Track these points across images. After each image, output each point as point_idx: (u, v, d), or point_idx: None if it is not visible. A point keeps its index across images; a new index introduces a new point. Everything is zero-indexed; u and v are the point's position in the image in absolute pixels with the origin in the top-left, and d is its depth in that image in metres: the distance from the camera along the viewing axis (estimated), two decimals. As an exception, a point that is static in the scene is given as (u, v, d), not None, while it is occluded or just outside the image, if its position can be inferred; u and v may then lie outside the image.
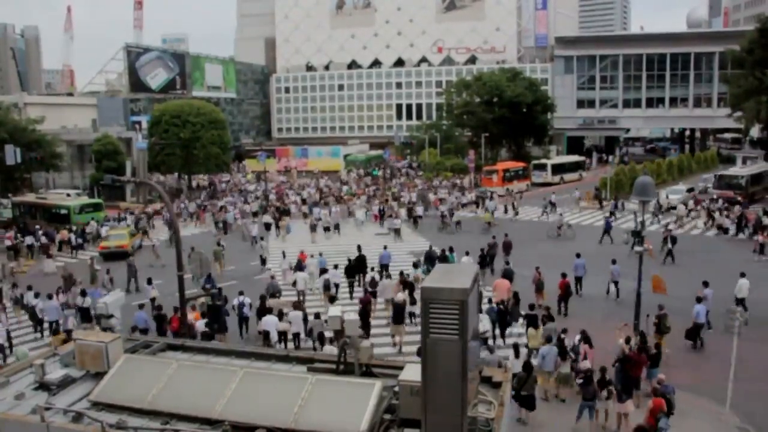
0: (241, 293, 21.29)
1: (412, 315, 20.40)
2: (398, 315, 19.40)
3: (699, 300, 19.42)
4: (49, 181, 57.02)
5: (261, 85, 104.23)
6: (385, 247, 28.66)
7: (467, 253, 25.91)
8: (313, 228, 38.31)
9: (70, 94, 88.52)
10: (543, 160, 63.88)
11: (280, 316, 19.56)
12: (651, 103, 79.95)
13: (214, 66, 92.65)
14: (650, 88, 79.45)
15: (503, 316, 19.42)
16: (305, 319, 19.38)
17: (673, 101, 79.36)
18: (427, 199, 47.62)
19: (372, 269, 24.92)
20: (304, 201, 50.18)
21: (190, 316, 18.87)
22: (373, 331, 19.93)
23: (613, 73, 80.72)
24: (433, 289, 6.09)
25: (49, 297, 21.73)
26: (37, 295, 22.13)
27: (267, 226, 40.07)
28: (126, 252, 32.51)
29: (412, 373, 6.70)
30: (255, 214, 44.31)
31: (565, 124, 79.50)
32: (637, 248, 19.31)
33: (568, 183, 58.07)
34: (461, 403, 6.04)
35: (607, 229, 34.07)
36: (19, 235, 36.22)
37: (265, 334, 18.70)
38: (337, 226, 39.09)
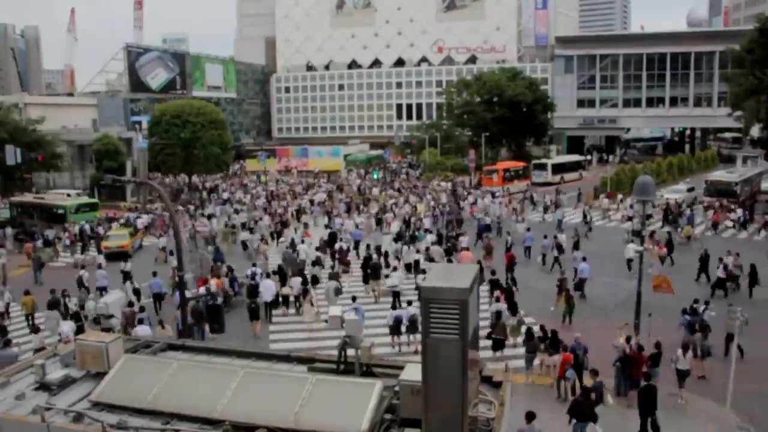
0: (254, 265, 26.15)
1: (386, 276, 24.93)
2: (375, 272, 24.98)
3: (584, 259, 25.17)
4: (49, 181, 57.07)
5: (261, 84, 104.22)
6: (356, 226, 35.01)
7: (429, 231, 32.45)
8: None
9: (71, 94, 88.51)
10: (543, 160, 63.89)
11: (283, 281, 24.07)
12: (651, 102, 79.96)
13: (214, 66, 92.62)
14: (650, 87, 79.45)
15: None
16: (304, 283, 23.67)
17: (674, 101, 79.35)
18: (458, 212, 39.50)
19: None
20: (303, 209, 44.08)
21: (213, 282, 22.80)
22: (371, 331, 20.01)
23: (613, 72, 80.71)
24: (433, 289, 6.09)
25: (99, 267, 26.65)
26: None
27: (243, 246, 32.86)
28: (127, 252, 32.53)
29: (413, 372, 6.71)
30: (243, 226, 38.00)
31: (565, 123, 79.48)
32: (637, 248, 19.34)
33: (568, 182, 58.05)
34: (462, 402, 6.05)
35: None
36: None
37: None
38: (378, 250, 28.08)
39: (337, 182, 61.15)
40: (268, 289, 22.63)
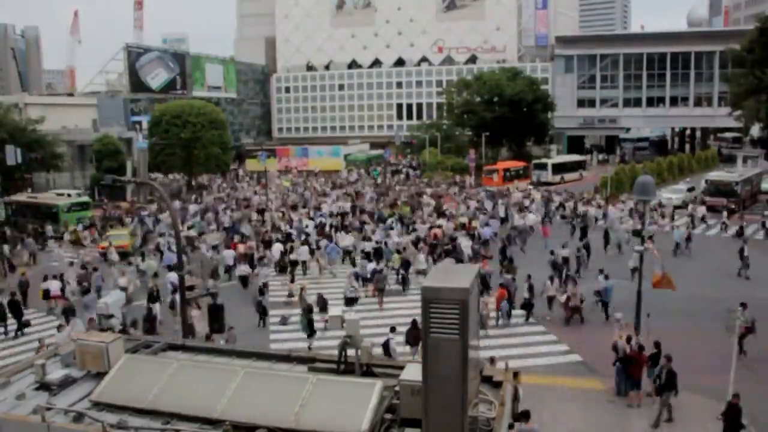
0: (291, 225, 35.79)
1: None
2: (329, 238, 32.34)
3: (486, 224, 33.39)
4: (49, 182, 57.08)
5: (261, 84, 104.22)
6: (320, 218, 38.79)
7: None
8: (350, 301, 23.36)
9: (71, 95, 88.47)
10: (543, 160, 63.90)
11: (291, 249, 30.12)
12: (651, 102, 79.93)
13: (214, 66, 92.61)
14: (650, 87, 79.43)
15: (434, 249, 29.58)
16: (311, 252, 29.88)
17: (674, 100, 79.31)
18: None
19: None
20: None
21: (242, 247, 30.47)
22: (367, 332, 20.13)
23: (614, 72, 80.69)
24: (433, 289, 6.09)
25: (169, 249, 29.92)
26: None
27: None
28: (127, 252, 32.51)
29: (413, 372, 6.70)
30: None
31: (566, 123, 79.49)
32: (638, 247, 19.35)
33: (568, 182, 58.11)
34: (462, 402, 6.05)
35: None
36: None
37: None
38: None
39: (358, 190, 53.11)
40: (276, 249, 30.08)
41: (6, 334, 22.42)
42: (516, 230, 33.41)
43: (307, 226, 35.45)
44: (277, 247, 30.20)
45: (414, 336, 17.26)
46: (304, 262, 29.30)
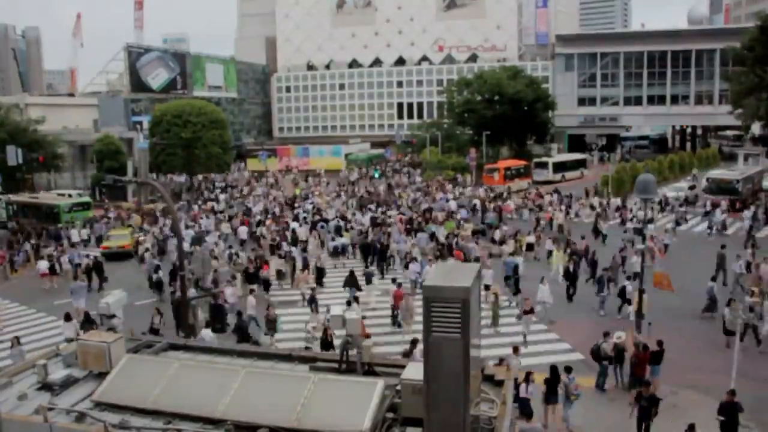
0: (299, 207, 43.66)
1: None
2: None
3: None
4: (50, 182, 57.13)
5: (262, 84, 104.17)
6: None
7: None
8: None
9: (72, 95, 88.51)
10: (544, 158, 63.83)
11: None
12: (652, 100, 79.86)
13: (214, 66, 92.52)
14: (651, 85, 79.38)
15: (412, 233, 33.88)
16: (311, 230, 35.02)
17: (674, 98, 79.20)
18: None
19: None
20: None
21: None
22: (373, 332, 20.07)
23: (614, 70, 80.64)
24: (434, 288, 6.09)
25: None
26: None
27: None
28: (128, 252, 32.55)
29: (415, 371, 6.71)
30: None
31: (566, 121, 79.41)
32: (639, 246, 19.36)
33: (569, 181, 58.04)
34: (463, 401, 6.05)
35: None
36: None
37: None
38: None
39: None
40: (292, 225, 36.24)
41: (90, 290, 25.70)
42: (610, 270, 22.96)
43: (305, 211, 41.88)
44: (293, 225, 35.73)
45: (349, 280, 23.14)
46: (305, 240, 33.46)
